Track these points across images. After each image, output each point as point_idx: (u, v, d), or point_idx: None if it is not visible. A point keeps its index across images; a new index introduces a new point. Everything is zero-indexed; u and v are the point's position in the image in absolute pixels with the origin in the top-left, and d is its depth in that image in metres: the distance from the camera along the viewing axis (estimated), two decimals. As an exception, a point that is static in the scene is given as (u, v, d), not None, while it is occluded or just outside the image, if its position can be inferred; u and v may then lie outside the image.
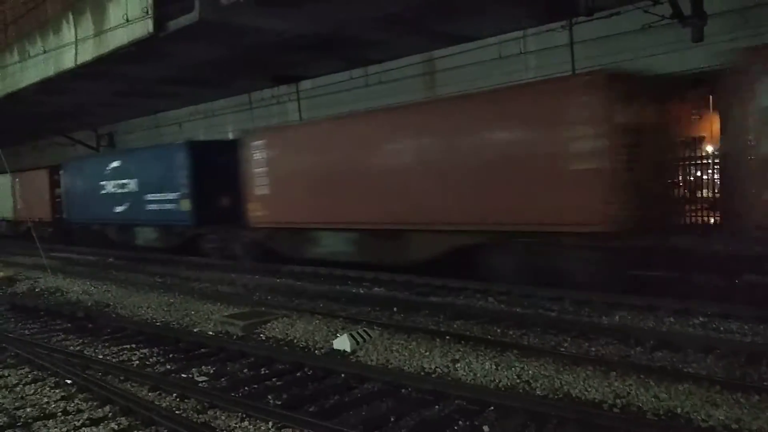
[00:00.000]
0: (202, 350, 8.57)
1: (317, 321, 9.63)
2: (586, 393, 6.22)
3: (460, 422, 5.72)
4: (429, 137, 12.24)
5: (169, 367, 7.89)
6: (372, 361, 7.68)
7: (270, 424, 5.76)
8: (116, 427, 5.95)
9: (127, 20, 14.14)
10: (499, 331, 8.76)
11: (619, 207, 9.70)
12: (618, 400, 5.99)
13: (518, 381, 6.65)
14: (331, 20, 13.40)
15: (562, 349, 7.71)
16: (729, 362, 6.91)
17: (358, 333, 8.41)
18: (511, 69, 14.97)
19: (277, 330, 9.37)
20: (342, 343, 8.18)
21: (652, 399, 5.92)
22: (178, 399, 6.60)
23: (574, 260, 10.38)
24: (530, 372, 6.81)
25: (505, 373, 6.87)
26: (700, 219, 13.10)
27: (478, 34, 15.13)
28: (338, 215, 13.69)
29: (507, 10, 13.27)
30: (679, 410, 5.66)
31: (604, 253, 10.07)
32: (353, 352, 8.01)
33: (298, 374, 7.35)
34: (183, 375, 7.53)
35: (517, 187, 10.72)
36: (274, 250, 15.83)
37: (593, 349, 7.71)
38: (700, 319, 8.67)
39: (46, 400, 6.73)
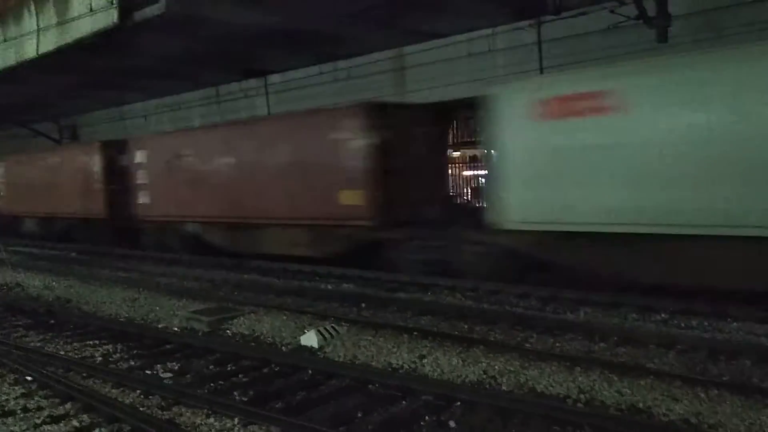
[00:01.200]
0: (167, 346, 8.46)
1: (284, 317, 9.58)
2: (551, 388, 6.30)
3: (427, 417, 5.75)
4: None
5: (133, 363, 7.77)
6: (339, 357, 7.67)
7: (236, 420, 5.72)
8: (78, 424, 5.84)
9: (91, 10, 13.85)
10: (466, 327, 8.82)
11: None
12: (582, 395, 6.08)
13: (484, 376, 6.71)
14: (300, 14, 13.31)
15: (528, 345, 7.80)
16: (689, 357, 7.06)
17: (325, 329, 8.39)
18: (480, 66, 15.06)
19: (243, 326, 9.30)
20: (309, 339, 8.15)
21: (615, 394, 6.02)
22: (142, 396, 6.51)
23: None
24: (496, 367, 6.87)
25: (472, 368, 6.92)
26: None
27: (447, 31, 15.17)
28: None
29: (476, 8, 13.34)
30: (641, 405, 5.76)
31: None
32: (321, 348, 7.99)
33: (265, 370, 7.30)
34: (147, 371, 7.43)
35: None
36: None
37: (558, 344, 7.81)
38: (662, 315, 8.84)
39: (5, 397, 6.58)
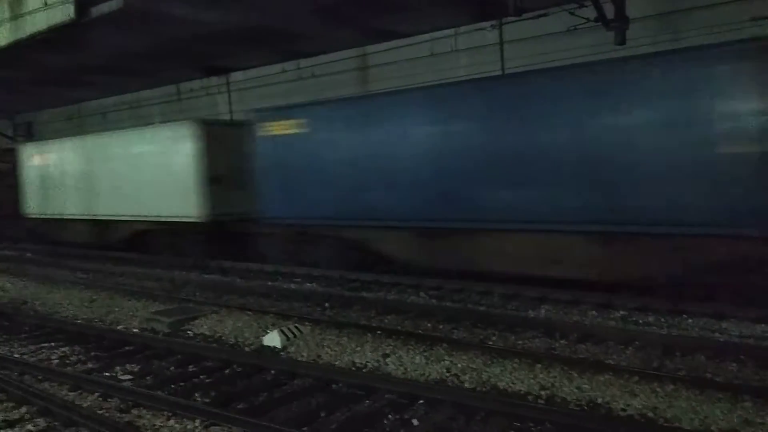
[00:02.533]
0: (127, 348, 8.32)
1: (247, 317, 9.49)
2: (512, 385, 6.37)
3: (390, 416, 5.76)
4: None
5: (91, 365, 7.62)
6: (303, 357, 7.63)
7: (197, 422, 5.65)
8: (33, 428, 5.72)
9: (46, 4, 13.52)
10: (429, 325, 8.86)
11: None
12: (543, 392, 6.16)
13: (447, 374, 6.75)
14: (262, 12, 13.21)
15: (490, 343, 7.87)
16: (646, 353, 7.22)
17: (288, 329, 8.34)
18: (443, 66, 15.14)
19: (205, 327, 9.19)
20: (272, 339, 8.10)
21: (575, 390, 6.12)
22: (100, 398, 6.39)
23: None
24: (459, 365, 6.92)
25: (435, 366, 6.95)
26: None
27: (410, 30, 15.22)
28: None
29: (438, 8, 13.42)
30: (600, 400, 5.87)
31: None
32: (284, 348, 7.95)
33: (227, 371, 7.23)
34: (106, 374, 7.29)
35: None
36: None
37: (520, 342, 7.91)
38: (621, 312, 9.01)
39: (-44, 402, 6.39)
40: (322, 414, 5.83)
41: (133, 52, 16.51)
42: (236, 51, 17.08)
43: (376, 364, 7.20)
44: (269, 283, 12.48)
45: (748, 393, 5.75)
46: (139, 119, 22.88)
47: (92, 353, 8.14)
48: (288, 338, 8.12)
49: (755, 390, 5.86)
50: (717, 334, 7.84)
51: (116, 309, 10.59)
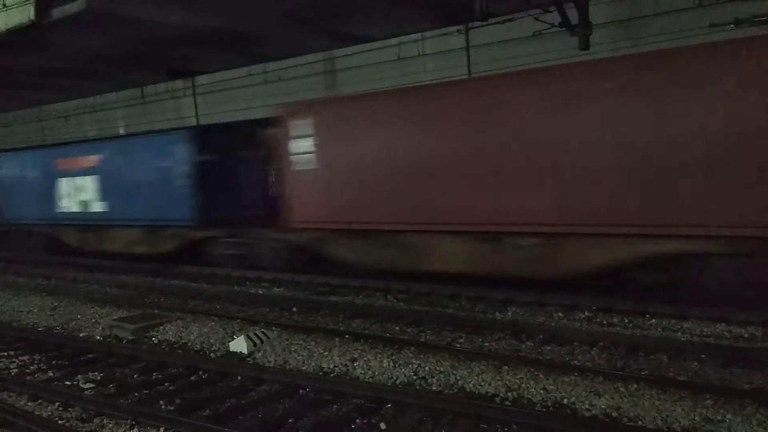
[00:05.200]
0: (89, 356, 8.16)
1: (213, 323, 9.37)
2: (479, 387, 6.40)
3: (358, 420, 5.74)
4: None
5: (51, 374, 7.46)
6: (269, 362, 7.57)
7: (161, 430, 5.57)
8: (-9, 440, 5.56)
9: (5, 5, 13.20)
10: (397, 328, 8.87)
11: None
12: (509, 393, 6.20)
13: (415, 378, 6.76)
14: (227, 14, 13.08)
15: (458, 345, 7.91)
16: (611, 354, 7.32)
17: (255, 334, 8.26)
18: (410, 71, 15.19)
19: (170, 333, 9.06)
20: (238, 344, 8.01)
21: (541, 391, 6.17)
22: (60, 408, 6.27)
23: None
24: (427, 368, 6.93)
25: (403, 370, 6.95)
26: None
27: (377, 35, 15.24)
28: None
29: (405, 12, 13.45)
30: (565, 401, 5.93)
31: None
32: (250, 353, 7.87)
33: (192, 378, 7.14)
34: (67, 382, 7.15)
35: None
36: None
37: (487, 344, 7.95)
38: (586, 313, 9.13)
39: None
40: (290, 420, 5.78)
41: (96, 55, 16.20)
42: (202, 54, 16.89)
43: (343, 369, 7.17)
44: (236, 288, 12.36)
45: (709, 391, 5.88)
46: (102, 123, 22.51)
47: (53, 362, 7.97)
48: (255, 344, 8.04)
49: (715, 388, 6.00)
50: (679, 334, 7.98)
51: (78, 316, 10.37)
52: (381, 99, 12.27)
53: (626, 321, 8.68)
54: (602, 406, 5.74)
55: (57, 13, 12.41)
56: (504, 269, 10.22)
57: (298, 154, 12.46)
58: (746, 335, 7.82)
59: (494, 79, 11.37)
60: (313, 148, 12.29)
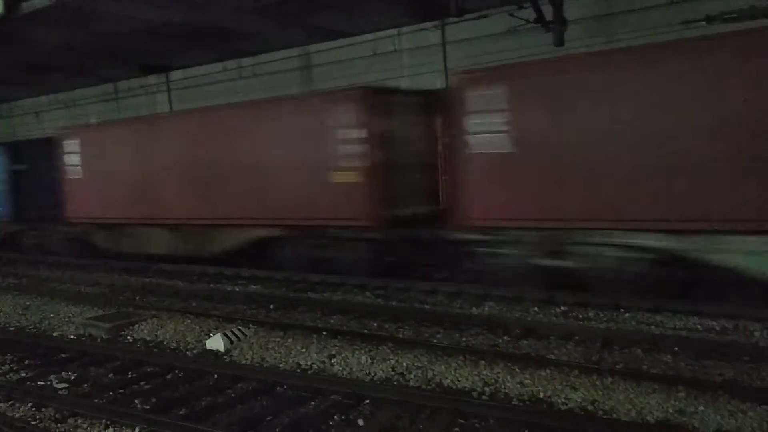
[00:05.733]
0: (62, 355, 8.04)
1: (189, 321, 9.29)
2: (457, 382, 6.43)
3: (336, 417, 5.74)
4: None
5: (23, 374, 7.33)
6: (246, 360, 7.53)
7: (137, 429, 5.52)
8: (-39, 443, 5.46)
9: (-27, -1, 12.94)
10: (375, 325, 8.87)
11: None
12: (486, 388, 6.24)
13: (393, 373, 6.77)
14: (199, 9, 12.96)
15: (435, 341, 7.93)
16: (586, 348, 7.40)
17: (232, 332, 8.21)
18: (386, 66, 15.20)
19: (145, 331, 8.96)
20: (215, 342, 7.96)
21: (518, 385, 6.22)
22: (33, 408, 6.17)
23: None
24: (404, 364, 6.94)
25: (381, 366, 6.96)
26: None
27: (353, 30, 15.23)
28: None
29: (381, 7, 13.45)
30: (541, 395, 5.98)
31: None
32: (227, 351, 7.82)
33: (168, 377, 7.07)
34: (40, 382, 7.04)
35: None
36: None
37: (464, 339, 7.99)
38: (562, 308, 9.22)
39: None
40: (267, 417, 5.76)
41: (68, 49, 16.00)
42: (175, 49, 16.75)
43: (321, 365, 7.16)
44: (212, 285, 12.27)
45: (682, 383, 5.96)
46: (75, 119, 22.18)
47: (25, 362, 7.84)
48: (231, 341, 7.99)
49: (688, 380, 6.09)
50: (652, 327, 8.09)
51: (51, 315, 10.22)
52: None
53: (601, 315, 8.78)
54: (578, 400, 5.80)
55: (27, 7, 12.23)
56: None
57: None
58: (718, 328, 7.95)
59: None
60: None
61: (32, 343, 8.60)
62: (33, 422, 5.81)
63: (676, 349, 7.14)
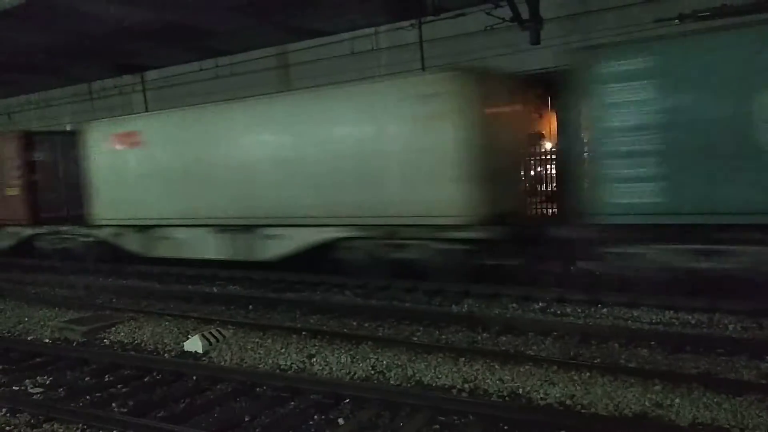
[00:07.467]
0: (37, 359, 7.92)
1: (167, 323, 9.21)
2: (437, 380, 6.44)
3: (316, 417, 5.72)
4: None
5: (-3, 380, 7.22)
6: (225, 361, 7.48)
7: (114, 433, 5.44)
8: (-67, 450, 5.36)
9: (-58, -2, 12.69)
10: (355, 324, 8.86)
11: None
12: (466, 385, 6.26)
13: (373, 372, 6.76)
14: (174, 7, 12.83)
15: (415, 339, 7.94)
16: (564, 343, 7.46)
17: (210, 333, 8.15)
18: (364, 65, 15.18)
19: (122, 334, 8.86)
20: (193, 344, 7.89)
21: (497, 381, 6.25)
22: (8, 414, 6.07)
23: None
24: (384, 362, 6.95)
25: (361, 365, 6.95)
26: (539, 210, 14.25)
27: (330, 28, 15.19)
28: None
29: (358, 7, 13.42)
30: (521, 390, 6.02)
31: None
32: (206, 353, 7.76)
33: (146, 379, 7.00)
34: (14, 387, 6.93)
35: None
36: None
37: (444, 336, 8.01)
38: (540, 304, 9.28)
39: None
40: (246, 418, 5.72)
41: (40, 49, 15.74)
42: (150, 48, 16.56)
43: (301, 365, 7.13)
44: (190, 287, 12.17)
45: (658, 377, 6.03)
46: (48, 120, 21.87)
47: (-1, 367, 7.72)
48: (210, 343, 7.93)
49: (664, 374, 6.16)
50: (629, 322, 8.18)
51: (26, 319, 10.07)
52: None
53: (579, 311, 8.85)
54: (557, 395, 5.84)
55: (-3, 5, 12.03)
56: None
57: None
58: (693, 321, 8.06)
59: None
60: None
61: (6, 347, 8.45)
62: (8, 428, 5.71)
63: (652, 343, 7.21)
